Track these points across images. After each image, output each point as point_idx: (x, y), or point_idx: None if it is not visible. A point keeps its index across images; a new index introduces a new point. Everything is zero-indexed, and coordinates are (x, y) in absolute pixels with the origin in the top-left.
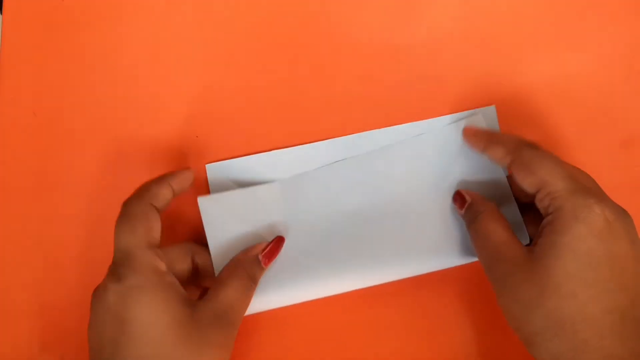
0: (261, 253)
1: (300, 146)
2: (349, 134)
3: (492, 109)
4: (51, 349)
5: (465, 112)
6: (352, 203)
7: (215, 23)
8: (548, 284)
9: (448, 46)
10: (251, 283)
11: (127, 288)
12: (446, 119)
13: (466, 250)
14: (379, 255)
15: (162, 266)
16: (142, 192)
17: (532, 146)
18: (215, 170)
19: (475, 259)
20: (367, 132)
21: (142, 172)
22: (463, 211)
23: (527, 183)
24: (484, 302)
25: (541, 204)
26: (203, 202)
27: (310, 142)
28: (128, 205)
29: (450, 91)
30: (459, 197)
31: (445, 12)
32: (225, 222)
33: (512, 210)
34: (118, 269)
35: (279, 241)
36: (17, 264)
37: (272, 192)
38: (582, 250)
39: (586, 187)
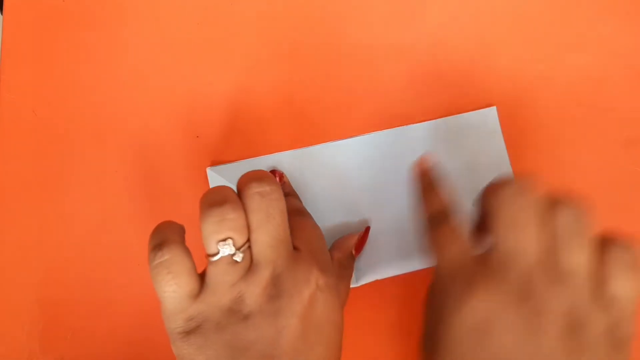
0: (353, 247)
1: (302, 149)
2: (352, 136)
3: (493, 110)
4: (51, 349)
5: (468, 114)
6: (359, 180)
7: (217, 24)
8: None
9: (449, 47)
10: (351, 276)
11: (329, 286)
12: (449, 120)
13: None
14: (381, 246)
15: None
16: None
17: (437, 222)
18: (216, 174)
19: None
20: (370, 134)
21: (143, 172)
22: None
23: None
24: None
25: None
26: (211, 172)
27: (312, 145)
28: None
29: (451, 91)
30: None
31: (446, 13)
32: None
33: None
34: (320, 261)
35: (367, 231)
36: (17, 264)
37: (280, 162)
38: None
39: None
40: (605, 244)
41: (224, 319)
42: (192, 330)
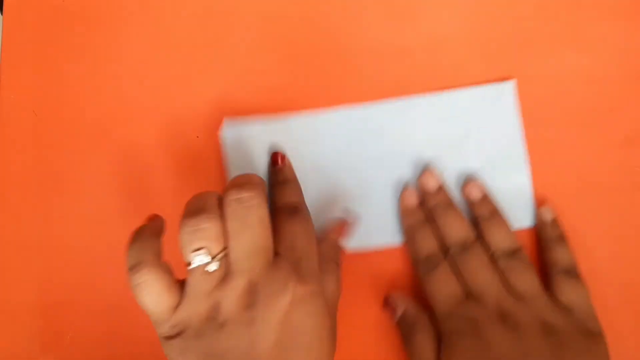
0: (339, 236)
1: (316, 114)
2: (362, 103)
3: (511, 84)
4: (51, 349)
5: (484, 86)
6: (375, 149)
7: (217, 25)
8: None
9: (448, 47)
10: (340, 268)
11: (309, 294)
12: (464, 92)
13: None
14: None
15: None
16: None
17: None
18: (231, 128)
19: None
20: (382, 101)
21: (142, 172)
22: (396, 320)
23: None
24: None
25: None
26: (226, 129)
27: (323, 108)
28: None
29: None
30: (388, 305)
31: (446, 13)
32: (246, 151)
33: (523, 184)
34: (301, 269)
35: (348, 222)
36: (17, 264)
37: (298, 124)
38: None
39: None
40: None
41: (202, 327)
42: (175, 336)
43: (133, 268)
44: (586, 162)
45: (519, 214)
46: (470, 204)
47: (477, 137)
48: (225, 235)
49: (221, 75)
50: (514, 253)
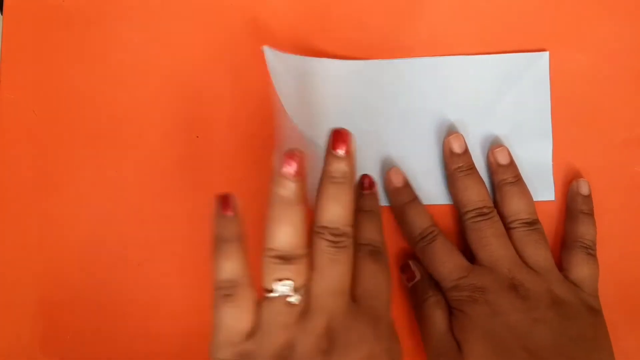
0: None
1: (368, 60)
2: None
3: (546, 54)
4: (51, 349)
5: (519, 54)
6: (402, 105)
7: (218, 24)
8: None
9: (448, 47)
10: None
11: (385, 352)
12: (498, 57)
13: None
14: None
15: None
16: None
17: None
18: (273, 56)
19: None
20: (416, 58)
21: (142, 171)
22: (410, 286)
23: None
24: None
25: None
26: (269, 53)
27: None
28: None
29: None
30: (407, 269)
31: (445, 13)
32: (290, 81)
33: (546, 156)
34: (380, 324)
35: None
36: (17, 263)
37: (332, 67)
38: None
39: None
40: (567, 243)
41: None
42: None
43: (227, 282)
44: (586, 162)
45: (538, 187)
46: (495, 170)
47: (505, 104)
48: (310, 267)
49: (221, 76)
50: (531, 224)
